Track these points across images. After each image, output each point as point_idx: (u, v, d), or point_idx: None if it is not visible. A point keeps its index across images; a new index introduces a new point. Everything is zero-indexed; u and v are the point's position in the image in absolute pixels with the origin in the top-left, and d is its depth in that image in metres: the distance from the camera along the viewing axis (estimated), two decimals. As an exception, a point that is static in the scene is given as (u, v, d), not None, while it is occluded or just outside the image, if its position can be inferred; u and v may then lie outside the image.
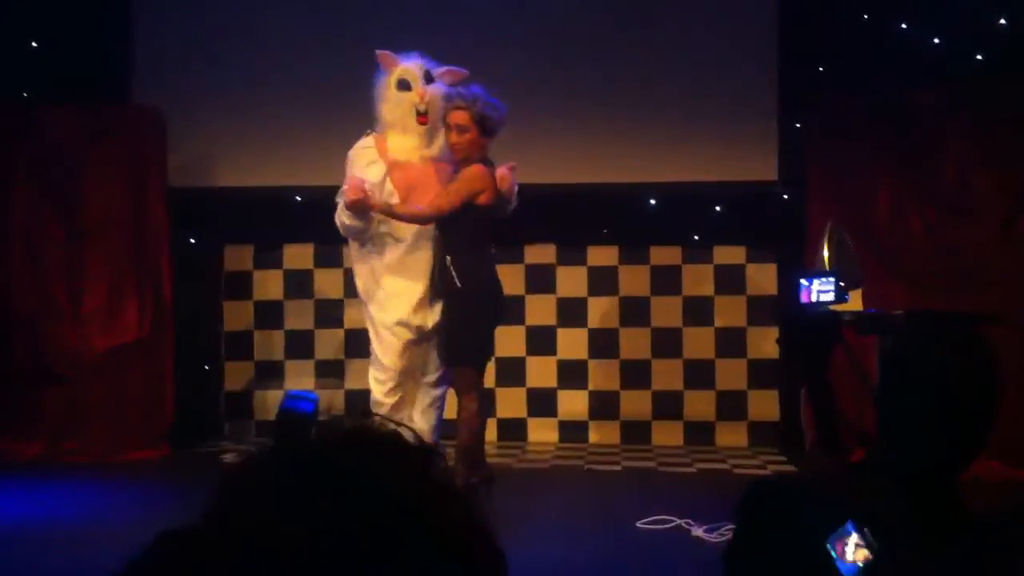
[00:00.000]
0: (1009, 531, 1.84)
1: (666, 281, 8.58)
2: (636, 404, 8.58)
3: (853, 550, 1.63)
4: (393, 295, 6.22)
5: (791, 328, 6.10)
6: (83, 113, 8.15)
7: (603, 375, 8.62)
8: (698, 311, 8.56)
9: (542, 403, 8.66)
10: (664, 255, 8.59)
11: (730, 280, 8.53)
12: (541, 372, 8.67)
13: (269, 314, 8.88)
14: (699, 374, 8.53)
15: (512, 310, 7.91)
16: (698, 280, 8.56)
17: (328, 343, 8.82)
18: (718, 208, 8.43)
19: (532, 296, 8.63)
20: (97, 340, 8.01)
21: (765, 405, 8.44)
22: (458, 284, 5.99)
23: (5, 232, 8.01)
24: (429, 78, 6.18)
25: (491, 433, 8.32)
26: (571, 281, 8.67)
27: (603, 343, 8.63)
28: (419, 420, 6.16)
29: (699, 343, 8.54)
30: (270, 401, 8.53)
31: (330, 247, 8.31)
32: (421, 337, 6.22)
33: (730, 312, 8.52)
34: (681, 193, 8.32)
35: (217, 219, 8.67)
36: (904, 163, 7.61)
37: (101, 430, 7.88)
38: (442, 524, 0.94)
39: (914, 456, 2.17)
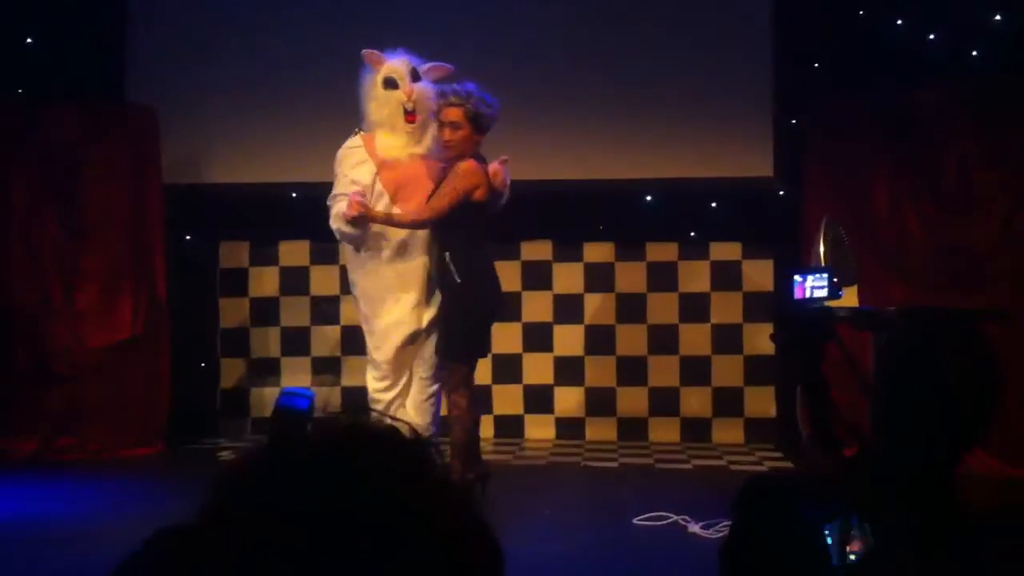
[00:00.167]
0: (1007, 530, 1.84)
1: (662, 277, 8.59)
2: (633, 401, 8.58)
3: (848, 542, 1.64)
4: (388, 294, 6.22)
5: (785, 324, 6.09)
6: (79, 112, 8.13)
7: (600, 372, 8.62)
8: (694, 308, 8.56)
9: (539, 400, 8.66)
10: (660, 251, 8.59)
11: (726, 276, 8.53)
12: (538, 369, 8.67)
13: (265, 311, 8.87)
14: (695, 371, 8.53)
15: (508, 307, 7.91)
16: (694, 276, 8.57)
17: (324, 340, 8.82)
18: (714, 204, 8.43)
19: (528, 293, 8.63)
20: (92, 338, 8.00)
21: (761, 401, 8.45)
22: (458, 280, 5.99)
23: (4, 231, 8.01)
24: (416, 76, 6.18)
25: (488, 430, 8.32)
26: (567, 278, 8.67)
27: (599, 340, 8.63)
28: (415, 416, 6.17)
29: (695, 340, 8.55)
30: (266, 398, 8.53)
31: (326, 244, 8.28)
32: (417, 334, 6.22)
33: (726, 308, 8.53)
34: (677, 189, 8.32)
35: (213, 216, 8.66)
36: (902, 161, 7.61)
37: (97, 427, 7.89)
38: (439, 520, 0.94)
39: (910, 452, 2.17)
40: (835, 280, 5.70)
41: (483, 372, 8.11)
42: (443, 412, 6.30)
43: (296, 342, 8.84)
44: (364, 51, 6.23)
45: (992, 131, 7.38)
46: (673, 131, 8.22)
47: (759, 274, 8.47)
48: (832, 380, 6.34)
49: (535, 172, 7.82)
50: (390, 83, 6.15)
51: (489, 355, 6.66)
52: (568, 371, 8.65)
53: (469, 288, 6.00)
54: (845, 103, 7.80)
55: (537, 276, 8.65)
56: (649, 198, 8.43)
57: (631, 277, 8.61)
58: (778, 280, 8.13)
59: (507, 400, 8.63)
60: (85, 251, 8.08)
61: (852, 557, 1.63)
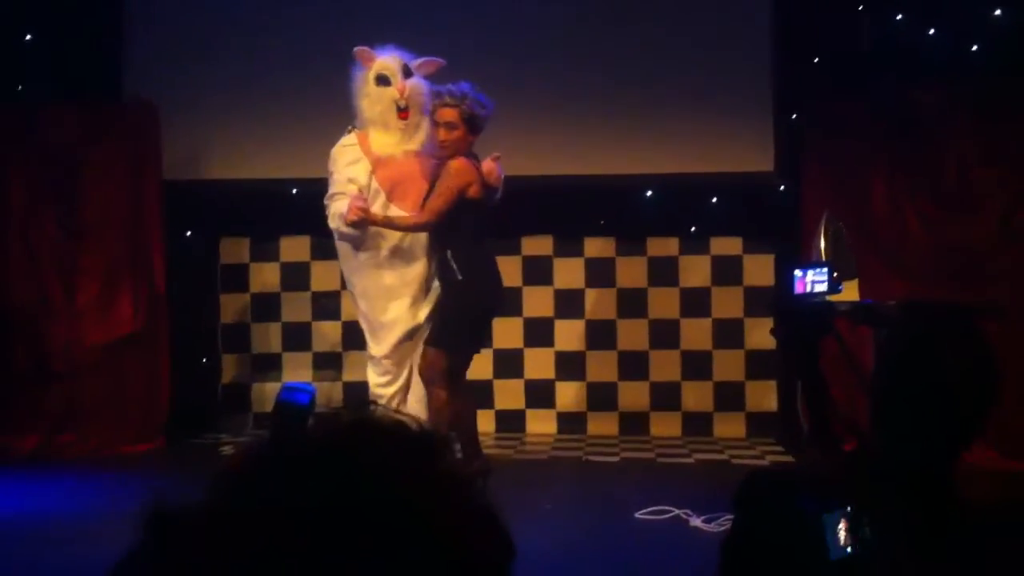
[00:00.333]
0: (1005, 525, 1.84)
1: (663, 272, 8.58)
2: (634, 395, 8.58)
3: (847, 537, 1.64)
4: (388, 293, 6.22)
5: (783, 319, 6.10)
6: (79, 109, 8.12)
7: (601, 367, 8.61)
8: (695, 302, 8.55)
9: (540, 395, 8.66)
10: (661, 246, 8.59)
11: (727, 271, 8.52)
12: (539, 364, 8.66)
13: (266, 307, 8.87)
14: (697, 365, 8.53)
15: (509, 302, 7.91)
16: (695, 271, 8.56)
17: (325, 335, 8.82)
18: (715, 199, 8.42)
19: (529, 288, 8.62)
20: (92, 334, 8.00)
21: (763, 396, 8.45)
22: (459, 278, 6.00)
23: (3, 228, 8.01)
24: (408, 72, 6.18)
25: (489, 424, 8.33)
26: (568, 273, 8.66)
27: (600, 335, 8.63)
28: (418, 410, 6.17)
29: (696, 334, 8.54)
30: (268, 393, 8.52)
31: (327, 240, 8.21)
32: (416, 330, 6.23)
33: (727, 303, 8.52)
34: (678, 184, 8.30)
35: (213, 212, 8.65)
36: (901, 159, 7.61)
37: (98, 424, 7.88)
38: (444, 515, 0.93)
39: (908, 448, 2.17)
40: (835, 275, 5.71)
41: (484, 367, 8.12)
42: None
43: (297, 337, 8.84)
44: (355, 48, 6.23)
45: (992, 129, 7.38)
46: (673, 126, 8.21)
47: (760, 269, 8.46)
48: (831, 376, 6.35)
49: (536, 167, 7.81)
50: (382, 80, 6.15)
51: (490, 350, 6.67)
52: (569, 366, 8.65)
53: (471, 285, 6.02)
54: (844, 101, 7.79)
55: (538, 271, 8.64)
56: (650, 193, 8.42)
57: (632, 272, 8.60)
58: (778, 275, 8.12)
59: (508, 395, 8.63)
60: (84, 248, 8.07)
61: (847, 549, 1.63)
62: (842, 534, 1.62)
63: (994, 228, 7.37)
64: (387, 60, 6.17)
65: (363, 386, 6.66)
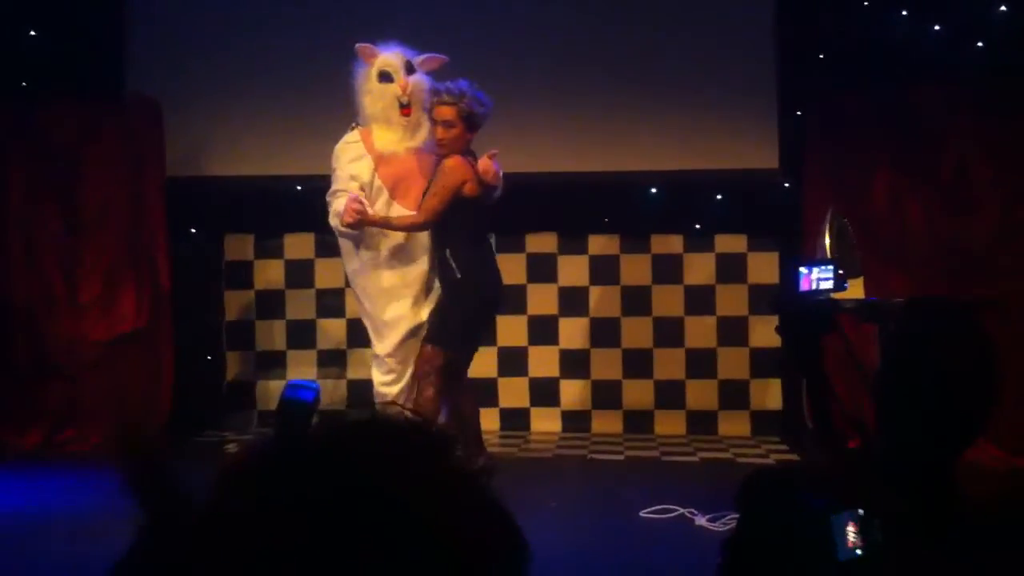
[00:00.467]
0: (1006, 523, 1.84)
1: (667, 270, 8.57)
2: (638, 393, 8.57)
3: (852, 535, 1.63)
4: (389, 290, 6.22)
5: (786, 317, 6.09)
6: (81, 106, 8.13)
7: (605, 364, 8.60)
8: (700, 300, 8.54)
9: (544, 392, 8.65)
10: (665, 244, 8.58)
11: (731, 269, 8.52)
12: (543, 361, 8.66)
13: (270, 304, 8.87)
14: (701, 363, 8.52)
15: (513, 299, 7.92)
16: (699, 269, 8.55)
17: (330, 333, 8.81)
18: (719, 197, 8.41)
19: (533, 285, 8.62)
20: (95, 330, 8.00)
21: (767, 394, 8.44)
22: (458, 276, 6.00)
23: (3, 225, 8.01)
24: (410, 68, 6.17)
25: (493, 422, 8.33)
26: (572, 270, 8.65)
27: (605, 332, 8.62)
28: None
29: (701, 332, 8.53)
30: (272, 391, 8.53)
31: (331, 237, 8.19)
32: (418, 328, 6.23)
33: (732, 301, 8.51)
34: (682, 182, 8.30)
35: (217, 209, 8.65)
36: (902, 157, 7.60)
37: (100, 420, 7.87)
38: (450, 513, 0.93)
39: (912, 444, 2.16)
40: (840, 272, 5.70)
41: (488, 365, 8.12)
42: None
43: (301, 335, 8.84)
44: (358, 45, 6.23)
45: (992, 128, 7.37)
46: (678, 123, 8.20)
47: (764, 266, 8.45)
48: (836, 374, 6.34)
49: (539, 164, 7.81)
50: (385, 76, 6.14)
51: (494, 348, 6.66)
52: (573, 364, 8.64)
53: (469, 283, 6.01)
54: (845, 99, 7.79)
55: (542, 269, 8.64)
56: (654, 190, 8.42)
57: (636, 269, 8.59)
58: (782, 272, 8.11)
59: (512, 393, 8.63)
60: (87, 245, 8.07)
61: (856, 551, 1.63)
62: (851, 536, 1.62)
63: (995, 226, 7.36)
64: (389, 56, 6.16)
65: (367, 384, 6.66)
